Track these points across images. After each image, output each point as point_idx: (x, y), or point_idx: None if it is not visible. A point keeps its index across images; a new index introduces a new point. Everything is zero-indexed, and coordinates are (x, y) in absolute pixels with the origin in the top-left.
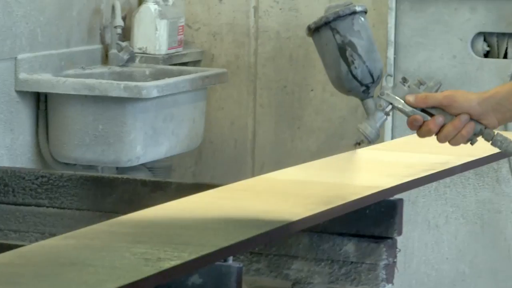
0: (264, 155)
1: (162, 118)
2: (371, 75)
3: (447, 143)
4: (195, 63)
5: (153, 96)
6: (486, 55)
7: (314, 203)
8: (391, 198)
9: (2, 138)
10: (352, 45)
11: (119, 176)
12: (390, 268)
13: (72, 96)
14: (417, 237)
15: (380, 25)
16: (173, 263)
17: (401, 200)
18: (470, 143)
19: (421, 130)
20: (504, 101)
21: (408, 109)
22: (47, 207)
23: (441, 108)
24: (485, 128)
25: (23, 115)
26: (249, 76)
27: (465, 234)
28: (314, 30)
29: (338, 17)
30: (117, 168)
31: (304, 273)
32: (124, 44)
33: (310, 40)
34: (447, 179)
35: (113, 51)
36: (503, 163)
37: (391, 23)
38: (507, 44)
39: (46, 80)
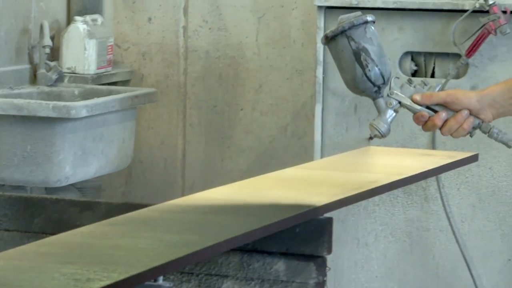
0: (194, 175)
1: (92, 138)
2: (383, 77)
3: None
4: (125, 82)
5: (82, 116)
6: (414, 74)
7: (245, 221)
8: (321, 217)
9: None
10: (365, 51)
11: (48, 196)
12: (320, 287)
13: (0, 117)
14: (346, 256)
15: (309, 45)
16: (103, 283)
17: (330, 218)
18: (470, 135)
19: (426, 125)
20: (499, 98)
21: (415, 106)
22: None
23: (443, 105)
24: (482, 122)
25: None
26: (178, 95)
27: (394, 252)
28: (331, 39)
29: (353, 26)
30: (46, 188)
31: None
32: (52, 64)
33: (239, 59)
34: (376, 198)
35: (41, 71)
36: (432, 182)
37: (320, 43)
38: (434, 64)
39: None
